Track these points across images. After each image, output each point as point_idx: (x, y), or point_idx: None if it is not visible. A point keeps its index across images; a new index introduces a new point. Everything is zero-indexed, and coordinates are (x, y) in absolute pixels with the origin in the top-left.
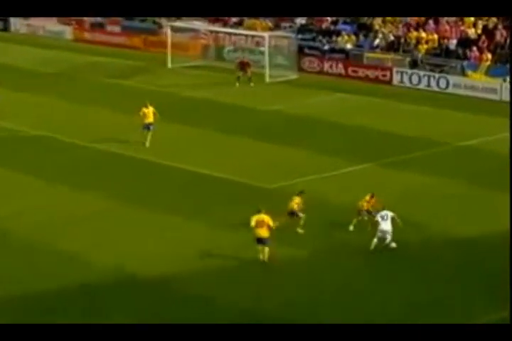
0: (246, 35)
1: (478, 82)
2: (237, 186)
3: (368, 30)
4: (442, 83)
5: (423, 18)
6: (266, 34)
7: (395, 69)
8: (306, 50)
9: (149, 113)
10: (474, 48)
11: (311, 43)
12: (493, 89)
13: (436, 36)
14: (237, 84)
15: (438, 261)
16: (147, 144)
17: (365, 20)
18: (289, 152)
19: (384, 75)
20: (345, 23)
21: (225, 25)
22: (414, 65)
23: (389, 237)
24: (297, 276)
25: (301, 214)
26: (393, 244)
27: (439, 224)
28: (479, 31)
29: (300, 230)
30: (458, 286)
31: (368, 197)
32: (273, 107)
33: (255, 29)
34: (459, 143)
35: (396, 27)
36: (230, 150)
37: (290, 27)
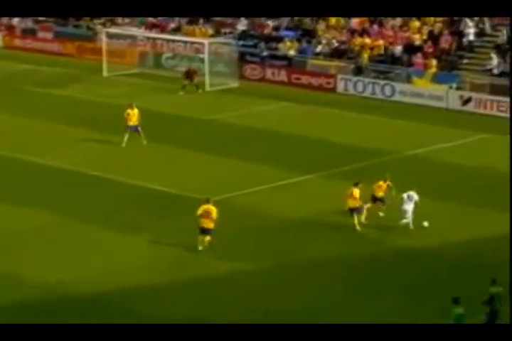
0: (185, 42)
1: (424, 89)
2: (177, 199)
3: (311, 36)
4: (388, 90)
5: (367, 24)
6: (206, 41)
7: (339, 77)
8: (248, 57)
9: (134, 115)
10: (419, 55)
11: (253, 50)
12: (439, 96)
13: (381, 42)
14: (181, 92)
15: (388, 273)
16: (144, 142)
17: (308, 25)
18: (231, 163)
19: (328, 83)
20: (287, 28)
21: (163, 31)
22: (358, 72)
23: (407, 218)
24: (236, 288)
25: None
26: (425, 223)
27: (386, 235)
28: (425, 37)
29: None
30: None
31: (381, 183)
32: (214, 116)
33: (194, 35)
34: (405, 152)
35: (340, 33)
36: (169, 161)
37: (230, 33)
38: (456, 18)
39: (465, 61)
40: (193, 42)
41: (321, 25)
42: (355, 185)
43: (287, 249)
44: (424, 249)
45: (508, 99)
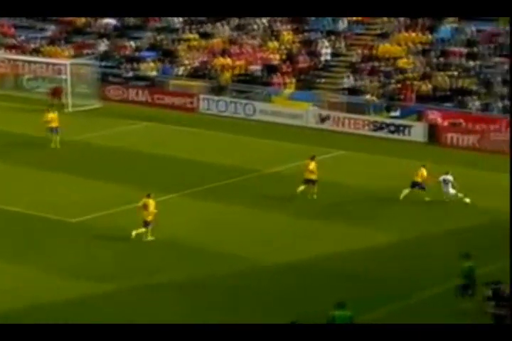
0: (46, 63)
1: (283, 108)
2: (37, 221)
3: (172, 56)
4: (249, 109)
5: (227, 45)
6: (67, 62)
7: (200, 97)
8: (110, 78)
9: (54, 118)
10: (278, 74)
11: (115, 71)
12: (298, 114)
13: (240, 62)
14: (50, 112)
15: (250, 290)
16: (58, 146)
17: (169, 46)
18: (93, 184)
19: (190, 102)
20: (148, 49)
21: (23, 52)
22: (220, 91)
23: (454, 195)
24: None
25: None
26: (467, 200)
27: (247, 253)
28: (283, 57)
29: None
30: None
31: (423, 171)
32: (76, 137)
33: (55, 56)
34: (266, 170)
35: (201, 53)
36: (27, 183)
37: (92, 54)
38: (312, 38)
39: (322, 80)
40: (54, 64)
41: (182, 46)
42: (312, 158)
43: (150, 270)
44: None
45: (363, 117)
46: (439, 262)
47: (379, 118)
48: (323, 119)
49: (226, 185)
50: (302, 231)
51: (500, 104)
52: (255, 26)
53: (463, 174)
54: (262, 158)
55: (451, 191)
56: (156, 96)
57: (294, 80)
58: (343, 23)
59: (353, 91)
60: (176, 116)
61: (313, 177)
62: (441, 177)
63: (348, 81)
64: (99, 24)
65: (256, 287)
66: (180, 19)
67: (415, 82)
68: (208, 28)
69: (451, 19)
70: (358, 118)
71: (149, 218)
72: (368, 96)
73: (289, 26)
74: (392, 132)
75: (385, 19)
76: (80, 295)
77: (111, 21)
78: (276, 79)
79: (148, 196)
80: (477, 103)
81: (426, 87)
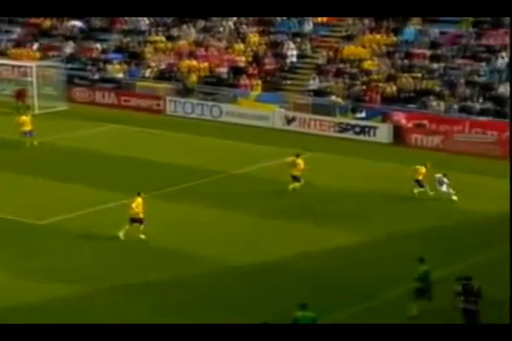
0: (12, 66)
1: (249, 109)
2: (5, 223)
3: (138, 59)
4: (215, 111)
5: (194, 47)
6: (33, 64)
7: (167, 99)
8: (76, 80)
9: (27, 121)
10: (244, 76)
11: (81, 73)
12: (264, 116)
13: (207, 64)
14: (18, 114)
15: (219, 290)
16: (35, 143)
17: (135, 49)
18: (60, 186)
19: (157, 104)
20: (115, 51)
21: None
22: (186, 93)
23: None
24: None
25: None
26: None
27: (216, 254)
28: (249, 59)
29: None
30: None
31: (423, 169)
32: (42, 139)
33: (21, 59)
34: (233, 171)
35: (167, 55)
36: None
37: (58, 56)
38: (278, 41)
39: (288, 82)
40: (20, 66)
41: (149, 48)
42: (297, 156)
43: (119, 271)
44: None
45: (329, 118)
46: (405, 263)
47: (345, 120)
48: (289, 121)
49: (193, 187)
50: (269, 231)
51: (462, 106)
52: (221, 29)
53: (427, 174)
54: (229, 160)
55: (444, 189)
56: (122, 99)
57: (260, 82)
58: (308, 26)
59: (318, 92)
60: (143, 118)
61: (298, 173)
62: (438, 177)
63: (314, 83)
64: (65, 26)
65: (224, 287)
66: (147, 21)
67: (380, 84)
68: (174, 30)
69: (415, 21)
70: (324, 119)
71: (141, 215)
72: (333, 98)
73: (255, 28)
74: (358, 133)
75: (350, 21)
76: (48, 297)
77: (77, 23)
78: (243, 81)
79: (139, 194)
80: (441, 104)
81: (391, 88)
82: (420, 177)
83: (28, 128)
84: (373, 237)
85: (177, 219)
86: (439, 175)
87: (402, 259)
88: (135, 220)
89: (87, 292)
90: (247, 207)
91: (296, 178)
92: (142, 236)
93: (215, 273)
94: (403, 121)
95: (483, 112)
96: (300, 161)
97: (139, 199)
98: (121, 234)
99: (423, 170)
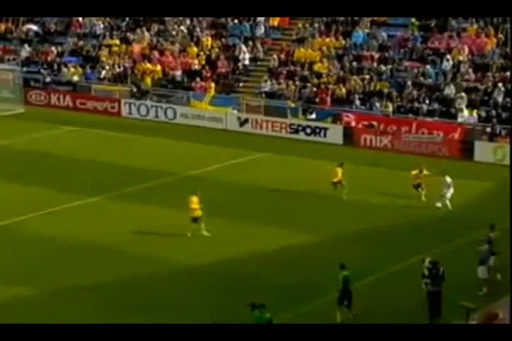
0: None
1: (203, 111)
2: None
3: (94, 62)
4: (170, 113)
5: (148, 51)
6: None
7: (123, 101)
8: (32, 83)
9: None
10: (198, 79)
11: (37, 76)
12: (218, 118)
13: (161, 67)
14: None
15: (169, 292)
16: None
17: (91, 52)
18: (15, 188)
19: (113, 107)
20: (71, 54)
21: None
22: (142, 96)
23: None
24: None
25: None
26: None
27: (167, 255)
28: (203, 62)
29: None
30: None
31: (416, 172)
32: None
33: None
34: (186, 172)
35: (122, 58)
36: None
37: (14, 60)
38: (231, 44)
39: (241, 84)
40: None
41: (104, 52)
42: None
43: (72, 272)
44: (209, 266)
45: (280, 120)
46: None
47: (296, 121)
48: (242, 122)
49: (148, 188)
50: (219, 233)
51: (410, 107)
52: (175, 32)
53: (376, 174)
54: (184, 161)
55: (449, 195)
56: (78, 101)
57: (213, 85)
58: (260, 29)
59: (271, 94)
60: (99, 120)
61: (338, 179)
62: (448, 180)
63: (266, 85)
64: (21, 30)
65: (172, 289)
66: (102, 25)
67: (330, 86)
68: (129, 34)
69: (363, 25)
70: (276, 120)
71: (200, 213)
72: (289, 102)
73: (208, 32)
74: (309, 134)
75: (301, 25)
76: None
77: (33, 27)
78: (197, 83)
79: (195, 193)
80: (389, 105)
81: (341, 90)
82: (416, 182)
83: None
84: (319, 239)
85: (132, 220)
86: (449, 179)
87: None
88: (196, 219)
89: (38, 293)
90: (207, 208)
91: (337, 183)
92: (206, 233)
93: (168, 273)
94: (353, 122)
95: (430, 113)
96: (339, 170)
97: (195, 198)
98: (205, 233)
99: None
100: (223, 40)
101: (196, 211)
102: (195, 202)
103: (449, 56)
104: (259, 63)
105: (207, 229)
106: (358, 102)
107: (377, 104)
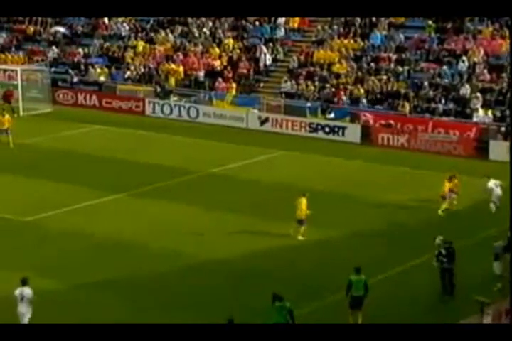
0: None
1: (225, 111)
2: None
3: (119, 62)
4: (192, 113)
5: (172, 52)
6: (18, 68)
7: (147, 100)
8: (60, 83)
9: (4, 120)
10: (220, 79)
11: (65, 76)
12: (239, 117)
13: (182, 68)
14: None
15: (190, 288)
16: (11, 146)
17: (116, 53)
18: (46, 184)
19: (137, 106)
20: (97, 56)
21: None
22: (165, 95)
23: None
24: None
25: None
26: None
27: (191, 251)
28: (225, 63)
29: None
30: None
31: (448, 181)
32: (28, 141)
33: (6, 63)
34: (210, 170)
35: (147, 59)
36: None
37: (42, 60)
38: (252, 45)
39: (262, 84)
40: (5, 70)
41: (129, 53)
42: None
43: (96, 268)
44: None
45: (300, 119)
46: (343, 267)
47: (315, 120)
48: (262, 122)
49: (172, 185)
50: (243, 229)
51: (426, 106)
52: (197, 34)
53: (393, 171)
54: (207, 159)
55: (500, 193)
56: (104, 101)
57: (235, 85)
58: (280, 31)
59: (290, 94)
60: (124, 119)
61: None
62: (492, 183)
63: (286, 85)
64: (49, 32)
65: (195, 285)
66: (127, 27)
67: (349, 86)
68: (153, 35)
69: (381, 27)
70: (296, 120)
71: (302, 216)
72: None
73: (229, 34)
74: (328, 133)
75: (320, 27)
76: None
77: (60, 29)
78: (219, 84)
79: (304, 195)
80: (406, 105)
81: (359, 90)
82: (446, 191)
83: (5, 126)
84: (334, 236)
85: (156, 217)
86: (492, 182)
87: (338, 264)
88: (300, 221)
89: (61, 289)
90: (223, 205)
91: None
92: (300, 237)
93: (191, 269)
94: (371, 122)
95: (445, 113)
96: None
97: (304, 200)
98: (299, 237)
99: (448, 182)
100: (244, 41)
101: (303, 213)
102: (303, 203)
103: (464, 57)
104: (279, 64)
105: (302, 234)
106: (375, 102)
107: (395, 104)
